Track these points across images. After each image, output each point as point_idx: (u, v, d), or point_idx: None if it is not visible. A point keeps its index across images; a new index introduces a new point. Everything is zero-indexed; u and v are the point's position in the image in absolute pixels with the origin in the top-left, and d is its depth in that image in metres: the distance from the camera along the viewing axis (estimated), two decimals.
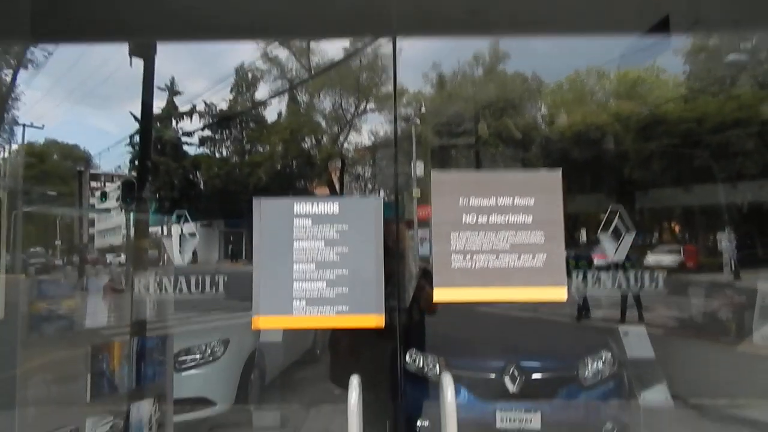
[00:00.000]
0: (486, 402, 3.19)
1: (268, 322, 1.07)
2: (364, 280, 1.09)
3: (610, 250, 1.56)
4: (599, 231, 1.54)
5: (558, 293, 1.08)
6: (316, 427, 4.36)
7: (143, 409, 2.56)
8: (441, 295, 1.07)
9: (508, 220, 1.09)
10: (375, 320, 1.07)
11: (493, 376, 3.27)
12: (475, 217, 1.10)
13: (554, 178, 1.13)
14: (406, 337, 3.35)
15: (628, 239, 1.58)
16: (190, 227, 2.42)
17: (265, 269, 1.12)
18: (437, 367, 3.39)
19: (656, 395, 3.43)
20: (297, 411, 4.60)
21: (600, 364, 3.37)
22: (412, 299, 3.15)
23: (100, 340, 2.37)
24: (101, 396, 2.36)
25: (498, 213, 1.10)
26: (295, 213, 1.11)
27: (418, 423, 3.28)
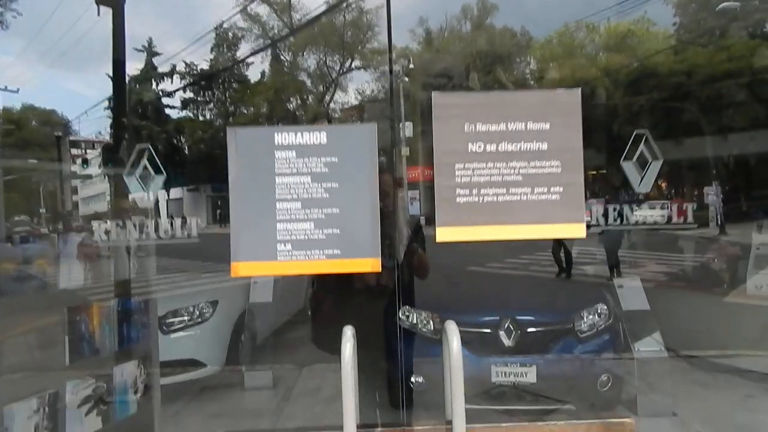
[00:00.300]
0: (481, 357, 3.15)
1: (248, 268, 0.94)
2: (358, 220, 0.95)
3: (634, 180, 1.44)
4: (622, 160, 1.41)
5: (576, 230, 0.95)
6: (309, 386, 4.34)
7: (127, 372, 2.45)
8: (444, 234, 0.94)
9: (520, 148, 0.96)
10: (371, 264, 0.94)
11: (487, 331, 3.22)
12: (483, 146, 0.96)
13: (572, 98, 0.99)
14: (398, 294, 3.25)
15: (655, 167, 1.46)
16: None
17: (243, 210, 0.98)
18: (431, 323, 3.32)
19: (650, 347, 3.41)
20: (289, 371, 4.56)
21: (595, 317, 3.33)
22: (404, 256, 3.04)
23: (77, 301, 2.24)
24: (81, 359, 2.25)
25: (508, 140, 0.96)
26: (276, 144, 0.97)
27: (412, 379, 3.23)
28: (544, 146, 0.96)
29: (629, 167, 1.39)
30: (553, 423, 1.00)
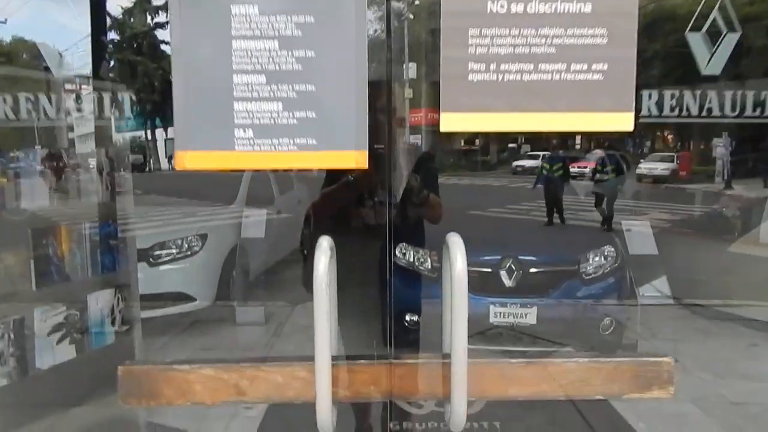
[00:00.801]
0: (479, 296, 3.00)
1: (198, 159, 0.72)
2: (340, 100, 0.73)
3: (701, 57, 1.21)
4: (688, 31, 1.18)
5: (622, 121, 0.73)
6: (301, 323, 4.26)
7: (102, 300, 2.30)
8: (451, 122, 0.72)
9: (554, 10, 0.72)
10: (355, 158, 0.72)
11: (488, 270, 3.06)
12: (506, 5, 0.72)
13: None
14: (394, 232, 3.05)
15: (731, 39, 1.22)
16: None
17: (190, 85, 0.75)
18: (429, 261, 3.16)
19: (656, 292, 3.27)
20: (281, 308, 4.47)
21: (602, 259, 3.16)
22: (404, 192, 2.83)
23: (42, 223, 2.05)
24: (50, 285, 2.09)
25: None
26: None
27: (407, 317, 3.09)
28: (587, 8, 0.72)
29: (696, 40, 1.15)
30: (574, 360, 0.82)
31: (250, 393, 0.77)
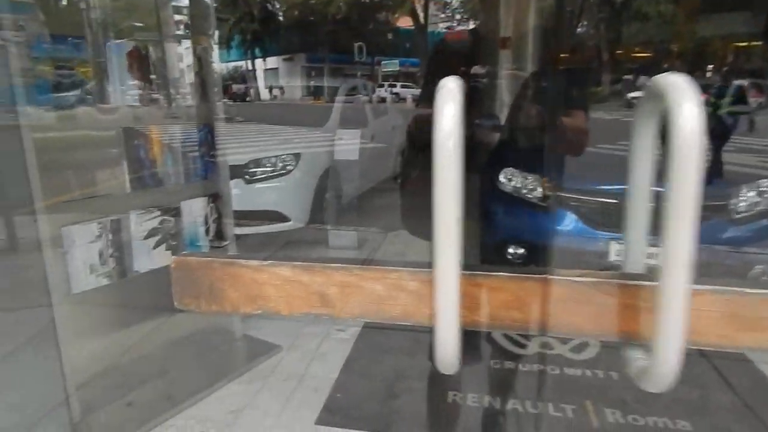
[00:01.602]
0: (598, 231, 2.62)
1: None
2: None
3: None
4: None
5: None
6: (393, 250, 4.11)
7: (196, 209, 2.24)
8: None
9: None
10: None
11: (612, 201, 2.63)
12: None
13: None
14: (498, 155, 2.70)
15: None
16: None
17: None
18: (539, 188, 2.78)
19: None
20: (375, 233, 4.34)
21: (756, 195, 2.60)
22: (511, 109, 2.43)
23: (134, 123, 1.97)
24: (143, 188, 2.04)
25: None
26: None
27: (510, 249, 2.79)
28: None
29: None
30: None
31: (338, 305, 0.54)
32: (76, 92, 1.78)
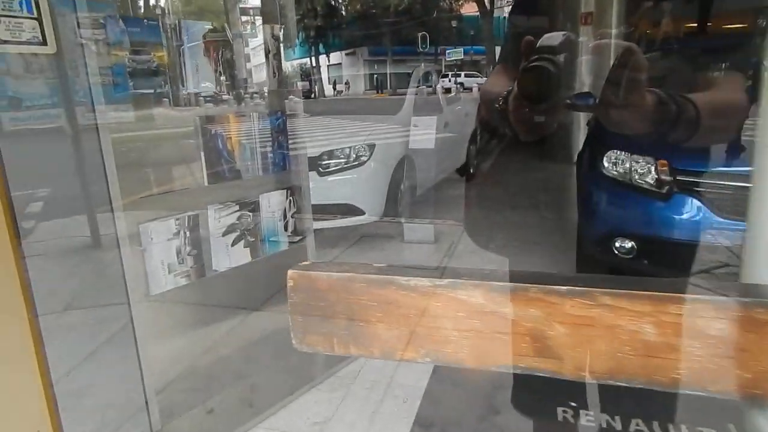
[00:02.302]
0: (729, 220, 2.23)
1: None
2: None
3: None
4: None
5: None
6: (474, 246, 3.85)
7: (275, 202, 2.09)
8: None
9: None
10: None
11: (744, 185, 2.22)
12: None
13: None
14: (600, 137, 2.36)
15: None
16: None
17: None
18: (653, 172, 2.42)
19: None
20: (452, 227, 4.08)
21: None
22: (609, 77, 2.06)
23: (211, 111, 1.83)
24: (221, 181, 1.90)
25: None
26: None
27: (617, 243, 2.45)
28: None
29: None
30: None
31: (568, 355, 0.32)
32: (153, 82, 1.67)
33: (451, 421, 1.87)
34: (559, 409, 1.87)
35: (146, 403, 1.77)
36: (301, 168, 2.26)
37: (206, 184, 1.87)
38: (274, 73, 2.01)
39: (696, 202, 2.31)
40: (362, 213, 3.69)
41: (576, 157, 2.08)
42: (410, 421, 1.86)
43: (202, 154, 1.84)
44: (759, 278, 0.40)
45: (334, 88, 25.18)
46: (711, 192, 2.32)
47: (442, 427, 1.84)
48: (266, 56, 1.94)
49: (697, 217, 2.32)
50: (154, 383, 1.77)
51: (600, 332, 0.33)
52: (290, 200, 2.18)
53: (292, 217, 2.20)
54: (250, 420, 1.86)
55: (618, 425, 1.81)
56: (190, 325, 2.13)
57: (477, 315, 0.34)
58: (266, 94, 2.05)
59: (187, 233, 1.82)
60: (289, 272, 0.40)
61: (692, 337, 0.31)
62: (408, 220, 4.09)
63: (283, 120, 2.13)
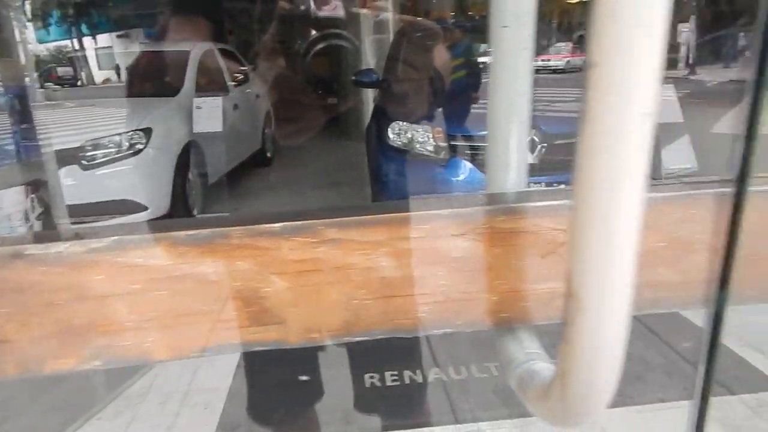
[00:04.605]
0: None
1: None
2: None
3: None
4: None
5: None
6: None
7: (9, 202, 1.67)
8: None
9: None
10: None
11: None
12: None
13: None
14: (383, 111, 2.44)
15: None
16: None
17: None
18: (430, 139, 2.60)
19: None
20: None
21: None
22: (389, 60, 2.16)
23: None
24: None
25: None
26: None
27: None
28: None
29: None
30: None
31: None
32: None
33: (259, 418, 1.75)
34: (366, 377, 1.89)
35: None
36: (49, 159, 1.84)
37: None
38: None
39: (467, 164, 2.56)
40: (145, 209, 3.25)
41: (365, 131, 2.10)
42: (213, 428, 1.68)
43: None
44: (500, 189, 0.37)
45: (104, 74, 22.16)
46: (479, 153, 2.59)
47: (248, 427, 1.70)
48: None
49: (471, 177, 2.57)
50: None
51: (329, 277, 0.26)
52: (32, 198, 1.76)
53: (37, 219, 1.78)
54: None
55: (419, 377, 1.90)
56: None
57: (161, 283, 0.23)
58: None
59: None
60: None
61: (435, 263, 0.26)
62: (201, 213, 3.77)
63: (17, 96, 1.69)
